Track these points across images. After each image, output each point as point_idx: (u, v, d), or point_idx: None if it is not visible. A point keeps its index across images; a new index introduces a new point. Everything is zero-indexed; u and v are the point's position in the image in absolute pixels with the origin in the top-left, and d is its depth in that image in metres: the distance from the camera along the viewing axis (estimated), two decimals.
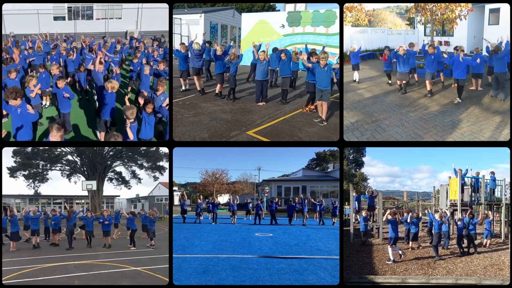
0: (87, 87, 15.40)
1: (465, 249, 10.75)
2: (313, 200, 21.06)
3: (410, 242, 11.51)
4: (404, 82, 14.78)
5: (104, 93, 10.70)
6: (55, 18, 30.69)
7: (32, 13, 28.72)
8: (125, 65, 20.59)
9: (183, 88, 16.51)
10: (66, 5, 30.64)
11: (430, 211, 12.65)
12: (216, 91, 15.40)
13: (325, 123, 11.91)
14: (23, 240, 14.55)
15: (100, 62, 13.52)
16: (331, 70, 11.92)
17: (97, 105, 11.88)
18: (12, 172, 33.39)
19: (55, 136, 7.50)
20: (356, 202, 14.22)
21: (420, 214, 13.27)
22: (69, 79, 15.39)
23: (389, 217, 10.13)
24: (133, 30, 31.07)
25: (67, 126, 11.19)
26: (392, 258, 9.67)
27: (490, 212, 12.55)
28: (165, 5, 33.25)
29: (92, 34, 27.88)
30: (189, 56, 16.26)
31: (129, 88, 15.93)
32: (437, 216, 10.72)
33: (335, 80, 12.94)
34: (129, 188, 36.66)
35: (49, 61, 17.99)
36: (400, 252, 9.96)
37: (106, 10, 31.35)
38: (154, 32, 29.43)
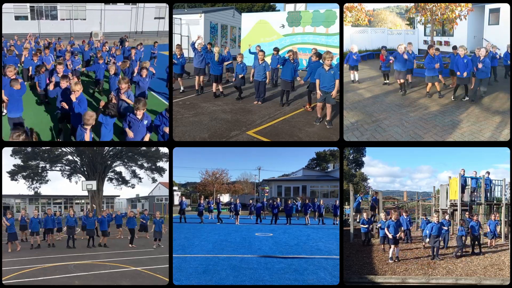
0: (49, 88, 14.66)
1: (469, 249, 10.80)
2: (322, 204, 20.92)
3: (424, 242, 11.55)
4: (402, 81, 14.72)
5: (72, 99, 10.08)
6: (17, 18, 30.14)
7: None
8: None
9: (181, 89, 16.61)
10: (28, 4, 30.18)
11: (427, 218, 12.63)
12: (213, 90, 15.63)
13: (331, 126, 11.64)
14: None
15: (59, 63, 13.25)
16: (335, 71, 11.56)
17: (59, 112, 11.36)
18: (12, 175, 33.35)
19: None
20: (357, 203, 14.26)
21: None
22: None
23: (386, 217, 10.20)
24: (98, 31, 31.13)
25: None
26: (390, 256, 9.69)
27: (497, 214, 12.61)
28: (129, 7, 33.62)
29: (57, 34, 27.69)
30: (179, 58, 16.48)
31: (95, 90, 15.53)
32: (434, 219, 10.66)
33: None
34: (133, 187, 36.65)
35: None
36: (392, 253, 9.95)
37: (70, 10, 31.19)
38: (118, 33, 29.55)
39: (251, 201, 23.38)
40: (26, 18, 30.58)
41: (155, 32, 34.27)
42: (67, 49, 19.35)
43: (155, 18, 34.83)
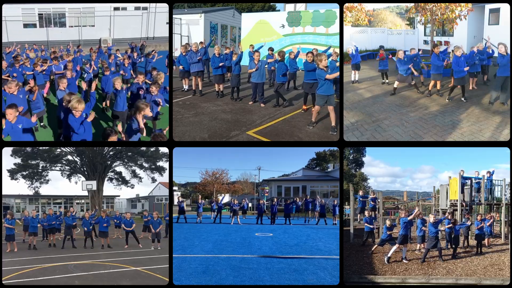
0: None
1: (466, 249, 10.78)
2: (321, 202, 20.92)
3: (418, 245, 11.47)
4: (407, 84, 14.72)
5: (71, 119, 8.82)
6: (25, 26, 30.08)
7: None
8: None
9: (185, 88, 16.62)
10: (36, 11, 29.96)
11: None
12: (216, 89, 15.69)
13: (335, 133, 11.02)
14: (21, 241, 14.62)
15: (62, 77, 11.88)
16: (333, 67, 11.14)
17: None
18: (12, 174, 33.37)
19: None
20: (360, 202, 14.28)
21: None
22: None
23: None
24: (106, 38, 30.89)
25: None
26: (389, 256, 9.66)
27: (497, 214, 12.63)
28: (139, 12, 33.12)
29: (65, 42, 27.57)
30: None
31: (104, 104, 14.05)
32: (431, 219, 10.56)
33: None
34: (132, 188, 36.69)
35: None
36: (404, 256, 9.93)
37: (79, 17, 31.05)
38: (127, 39, 29.09)
39: (244, 201, 23.51)
40: (34, 25, 30.51)
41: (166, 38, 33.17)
42: (68, 60, 16.92)
43: (167, 23, 34.39)
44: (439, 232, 10.30)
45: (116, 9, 31.62)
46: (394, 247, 9.77)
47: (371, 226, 11.77)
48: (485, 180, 13.51)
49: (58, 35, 30.40)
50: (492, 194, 13.90)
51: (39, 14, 30.25)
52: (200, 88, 16.02)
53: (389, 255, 9.66)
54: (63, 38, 29.80)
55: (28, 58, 17.01)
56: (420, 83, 15.59)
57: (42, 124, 12.76)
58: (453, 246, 10.66)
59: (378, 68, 16.68)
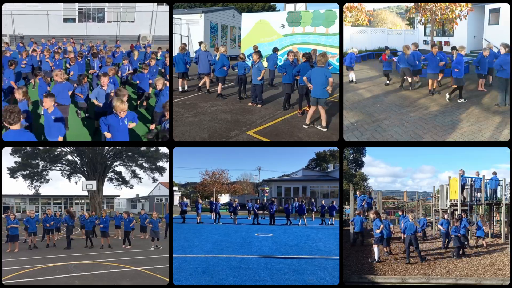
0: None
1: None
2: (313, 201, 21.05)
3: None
4: (409, 79, 14.77)
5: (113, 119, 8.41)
6: (65, 20, 30.34)
7: (42, 14, 28.42)
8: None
9: (181, 89, 16.57)
10: (77, 6, 30.14)
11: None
12: (218, 91, 15.60)
13: (326, 130, 11.26)
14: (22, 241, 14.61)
15: (104, 74, 11.62)
16: (326, 75, 10.92)
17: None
18: (12, 172, 33.34)
19: None
20: (358, 202, 14.26)
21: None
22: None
23: (372, 216, 10.20)
24: (146, 34, 30.27)
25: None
26: (376, 258, 9.64)
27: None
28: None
29: (103, 37, 27.58)
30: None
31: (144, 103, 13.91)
32: (410, 216, 10.49)
33: (329, 89, 11.22)
34: (131, 188, 36.66)
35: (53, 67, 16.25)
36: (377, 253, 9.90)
37: (118, 12, 30.60)
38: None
39: (249, 201, 23.51)
40: (74, 20, 30.69)
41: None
42: (107, 58, 16.86)
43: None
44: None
45: (159, 4, 30.32)
46: (376, 249, 9.81)
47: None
48: (486, 180, 13.52)
49: (96, 30, 30.40)
50: (494, 194, 13.91)
51: (79, 9, 30.56)
52: (207, 87, 16.05)
53: (376, 257, 9.69)
54: (100, 33, 29.81)
55: (73, 51, 17.40)
56: (416, 83, 15.65)
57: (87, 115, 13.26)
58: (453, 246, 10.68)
59: (383, 70, 16.68)
